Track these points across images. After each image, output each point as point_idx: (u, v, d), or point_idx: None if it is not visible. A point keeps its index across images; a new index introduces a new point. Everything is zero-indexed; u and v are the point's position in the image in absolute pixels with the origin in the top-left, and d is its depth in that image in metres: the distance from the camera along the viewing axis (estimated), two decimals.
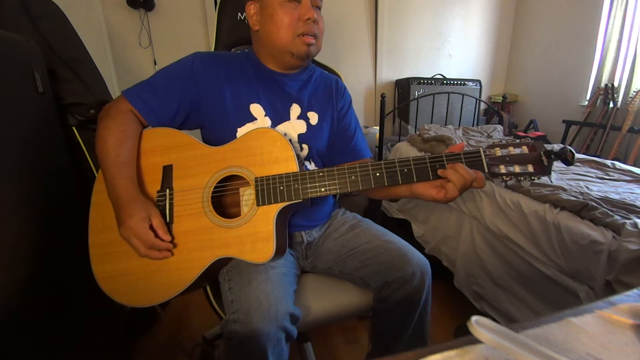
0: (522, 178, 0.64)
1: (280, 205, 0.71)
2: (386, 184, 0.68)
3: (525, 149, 0.63)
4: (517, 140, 0.65)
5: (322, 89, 0.93)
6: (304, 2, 0.77)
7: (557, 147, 0.62)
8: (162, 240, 0.70)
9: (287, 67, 0.86)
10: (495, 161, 0.64)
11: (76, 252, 0.77)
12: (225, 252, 0.71)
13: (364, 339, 1.33)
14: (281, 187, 0.71)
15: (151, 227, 0.69)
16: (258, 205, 0.71)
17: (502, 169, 0.64)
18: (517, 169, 0.63)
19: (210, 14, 2.06)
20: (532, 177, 0.63)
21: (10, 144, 0.77)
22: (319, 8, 0.83)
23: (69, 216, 0.89)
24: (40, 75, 0.89)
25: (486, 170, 0.64)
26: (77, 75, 1.05)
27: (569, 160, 0.60)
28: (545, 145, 0.64)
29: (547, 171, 0.62)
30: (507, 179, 0.64)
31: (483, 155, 0.64)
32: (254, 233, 0.70)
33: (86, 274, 0.74)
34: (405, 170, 0.67)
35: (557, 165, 1.47)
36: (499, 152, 0.64)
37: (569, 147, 0.60)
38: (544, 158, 0.62)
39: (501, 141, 0.66)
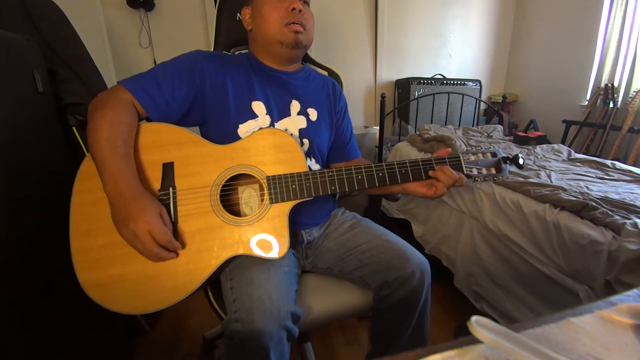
0: (487, 178, 0.81)
1: (293, 203, 0.75)
2: (388, 183, 0.78)
3: (489, 156, 0.81)
4: (482, 149, 0.82)
5: (320, 89, 0.95)
6: None
7: (512, 154, 0.80)
8: None
9: (280, 60, 0.88)
10: (470, 164, 0.80)
11: None
12: (238, 250, 0.71)
13: (364, 339, 1.34)
14: (293, 186, 0.75)
15: None
16: (271, 202, 0.74)
17: (474, 171, 0.80)
18: (484, 171, 0.80)
19: (210, 14, 2.05)
20: (495, 177, 0.81)
21: (9, 144, 0.77)
22: (307, 3, 0.86)
23: (69, 216, 0.89)
24: (40, 75, 0.89)
25: (465, 171, 0.79)
26: (77, 75, 1.05)
27: (519, 164, 0.79)
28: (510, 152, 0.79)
29: (504, 173, 0.81)
30: (478, 179, 0.81)
31: (462, 160, 0.79)
32: (268, 229, 0.73)
33: None
34: (403, 171, 0.78)
35: (558, 165, 1.48)
36: (472, 157, 0.81)
37: (520, 155, 0.79)
38: (502, 162, 0.80)
39: (473, 148, 0.81)
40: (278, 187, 0.74)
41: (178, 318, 1.47)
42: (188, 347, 1.30)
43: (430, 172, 0.77)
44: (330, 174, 0.76)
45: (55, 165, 0.94)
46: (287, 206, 0.75)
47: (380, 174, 0.77)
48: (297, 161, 0.76)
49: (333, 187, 0.76)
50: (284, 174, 0.75)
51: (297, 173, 0.75)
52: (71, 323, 0.92)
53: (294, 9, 0.81)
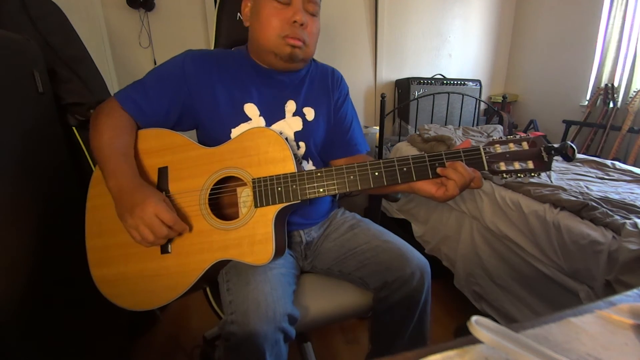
0: (521, 175, 0.64)
1: (279, 207, 0.70)
2: (385, 184, 0.67)
3: (525, 145, 0.63)
4: (517, 137, 0.65)
5: (318, 82, 0.91)
6: (295, 3, 0.75)
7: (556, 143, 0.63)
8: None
9: (274, 67, 0.83)
10: (495, 158, 0.64)
11: (76, 253, 0.76)
12: (224, 255, 0.70)
13: (364, 339, 1.33)
14: (279, 188, 0.70)
15: None
16: (256, 206, 0.71)
17: (502, 166, 0.64)
18: (516, 165, 0.63)
19: (210, 14, 2.05)
20: (532, 174, 0.63)
21: (10, 144, 0.77)
22: (314, 15, 0.79)
23: (69, 217, 0.89)
24: (40, 75, 0.89)
25: (486, 168, 0.64)
26: (77, 75, 1.05)
27: (569, 156, 0.60)
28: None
29: (547, 167, 0.62)
30: (507, 176, 0.64)
31: (483, 153, 0.64)
32: (253, 235, 0.70)
33: (86, 275, 0.74)
34: (405, 169, 0.67)
35: (557, 165, 1.48)
36: (499, 148, 0.64)
37: (569, 143, 0.60)
38: (544, 154, 0.62)
39: (501, 138, 0.66)
40: (263, 189, 0.70)
41: (178, 318, 1.47)
42: (188, 347, 1.30)
43: (439, 170, 0.65)
44: (319, 174, 0.69)
45: (56, 165, 0.94)
46: (271, 210, 0.70)
47: (377, 174, 0.67)
48: (285, 162, 0.71)
49: (321, 190, 0.69)
50: (269, 176, 0.70)
51: (282, 175, 0.70)
52: (72, 323, 0.92)
53: (295, 21, 0.74)
